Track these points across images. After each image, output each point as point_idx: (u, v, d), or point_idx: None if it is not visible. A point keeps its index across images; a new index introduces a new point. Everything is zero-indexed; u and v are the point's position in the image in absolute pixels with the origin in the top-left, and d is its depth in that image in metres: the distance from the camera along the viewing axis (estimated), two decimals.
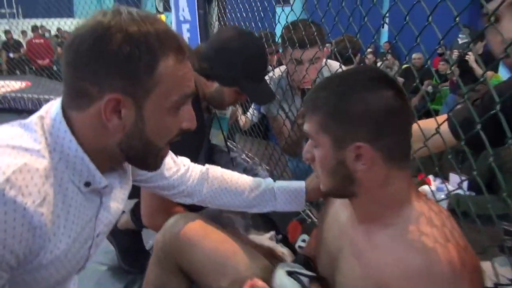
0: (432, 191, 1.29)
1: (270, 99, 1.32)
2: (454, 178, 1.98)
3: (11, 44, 8.41)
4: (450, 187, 1.87)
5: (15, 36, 9.01)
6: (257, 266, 1.03)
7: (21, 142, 0.63)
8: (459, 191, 1.98)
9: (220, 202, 1.09)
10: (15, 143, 0.63)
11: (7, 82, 5.32)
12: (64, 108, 0.67)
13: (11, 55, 8.26)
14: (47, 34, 9.29)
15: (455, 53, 4.40)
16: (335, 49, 1.46)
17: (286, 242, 1.56)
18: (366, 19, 1.08)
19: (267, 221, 1.89)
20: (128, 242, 1.62)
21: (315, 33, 1.45)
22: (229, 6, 2.35)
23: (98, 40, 0.61)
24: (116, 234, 1.61)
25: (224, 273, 1.00)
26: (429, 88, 5.38)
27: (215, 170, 1.09)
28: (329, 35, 1.34)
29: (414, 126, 0.92)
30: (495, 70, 4.97)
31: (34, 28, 8.58)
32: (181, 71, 0.67)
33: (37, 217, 0.60)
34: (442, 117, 0.90)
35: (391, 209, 0.72)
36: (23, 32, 9.17)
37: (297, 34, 1.47)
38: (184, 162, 1.05)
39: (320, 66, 1.52)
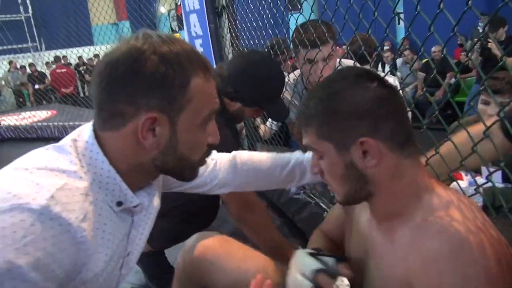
0: (461, 188, 1.20)
1: (287, 115, 1.45)
2: (487, 171, 1.89)
3: (36, 76, 8.73)
4: (482, 180, 1.79)
5: (39, 68, 9.36)
6: (282, 280, 0.99)
7: (58, 165, 0.65)
8: (496, 184, 1.89)
9: (254, 185, 1.08)
10: (53, 165, 0.65)
11: (33, 112, 5.52)
12: (95, 131, 0.69)
13: (37, 86, 8.57)
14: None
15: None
16: (349, 48, 1.43)
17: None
18: (376, 13, 1.05)
19: (294, 228, 1.86)
20: (153, 263, 1.62)
21: (325, 32, 1.43)
22: (239, 18, 2.35)
23: (134, 62, 0.63)
24: (141, 256, 1.61)
25: None
26: (452, 80, 5.24)
27: (242, 155, 1.07)
28: (341, 34, 1.31)
29: (463, 134, 0.82)
30: None
31: (57, 59, 8.89)
32: (209, 88, 0.71)
33: (80, 232, 0.62)
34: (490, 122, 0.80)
35: (409, 202, 0.69)
36: (47, 64, 9.53)
37: (308, 35, 1.45)
38: (211, 156, 1.03)
39: (334, 65, 1.50)
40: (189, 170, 0.75)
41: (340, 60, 1.46)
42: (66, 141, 0.70)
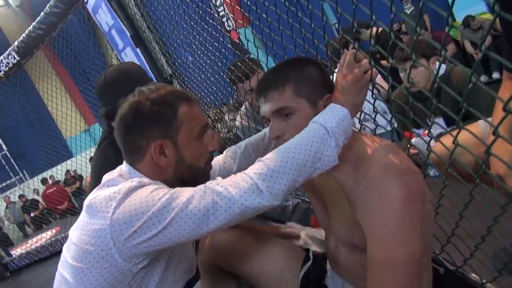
0: (423, 139, 1.39)
1: None
2: (440, 121, 2.17)
3: (28, 205, 8.90)
4: (432, 131, 2.06)
5: (32, 196, 9.54)
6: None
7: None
8: (442, 131, 2.16)
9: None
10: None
11: (38, 236, 5.69)
12: (131, 165, 0.95)
13: (32, 214, 8.71)
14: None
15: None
16: None
17: None
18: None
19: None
20: None
21: (252, 65, 1.74)
22: (190, 81, 2.68)
23: (136, 110, 0.92)
24: None
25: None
26: None
27: (230, 149, 1.24)
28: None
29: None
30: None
31: (44, 181, 9.12)
32: (194, 111, 0.97)
33: None
34: None
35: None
36: (35, 190, 9.72)
37: (239, 70, 1.77)
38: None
39: None
40: (201, 175, 0.97)
41: None
42: (112, 178, 0.92)
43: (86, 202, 0.87)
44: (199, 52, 2.38)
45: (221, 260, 1.25)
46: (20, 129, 10.65)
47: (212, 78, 2.42)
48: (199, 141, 0.97)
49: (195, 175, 0.97)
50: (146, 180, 0.89)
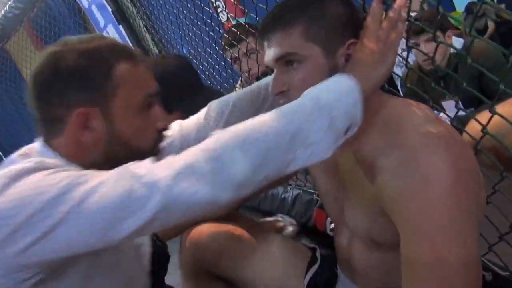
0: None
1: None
2: (448, 104, 1.95)
3: None
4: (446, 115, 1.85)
5: None
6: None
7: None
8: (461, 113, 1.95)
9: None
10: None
11: None
12: (45, 141, 0.68)
13: None
14: None
15: None
16: None
17: (316, 232, 1.52)
18: None
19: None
20: None
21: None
22: None
23: (53, 63, 0.65)
24: None
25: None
26: None
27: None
28: None
29: None
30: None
31: None
32: (138, 73, 0.70)
33: None
34: None
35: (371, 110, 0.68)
36: None
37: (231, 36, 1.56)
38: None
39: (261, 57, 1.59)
40: (141, 159, 0.65)
41: None
42: (12, 159, 0.66)
43: None
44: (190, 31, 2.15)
45: (209, 262, 1.01)
46: (8, 121, 10.38)
47: (205, 63, 2.18)
48: (143, 114, 0.70)
49: (134, 158, 0.65)
50: (51, 160, 0.63)
